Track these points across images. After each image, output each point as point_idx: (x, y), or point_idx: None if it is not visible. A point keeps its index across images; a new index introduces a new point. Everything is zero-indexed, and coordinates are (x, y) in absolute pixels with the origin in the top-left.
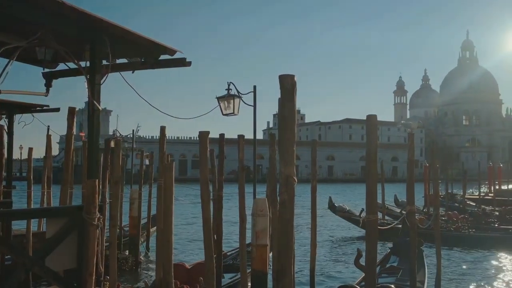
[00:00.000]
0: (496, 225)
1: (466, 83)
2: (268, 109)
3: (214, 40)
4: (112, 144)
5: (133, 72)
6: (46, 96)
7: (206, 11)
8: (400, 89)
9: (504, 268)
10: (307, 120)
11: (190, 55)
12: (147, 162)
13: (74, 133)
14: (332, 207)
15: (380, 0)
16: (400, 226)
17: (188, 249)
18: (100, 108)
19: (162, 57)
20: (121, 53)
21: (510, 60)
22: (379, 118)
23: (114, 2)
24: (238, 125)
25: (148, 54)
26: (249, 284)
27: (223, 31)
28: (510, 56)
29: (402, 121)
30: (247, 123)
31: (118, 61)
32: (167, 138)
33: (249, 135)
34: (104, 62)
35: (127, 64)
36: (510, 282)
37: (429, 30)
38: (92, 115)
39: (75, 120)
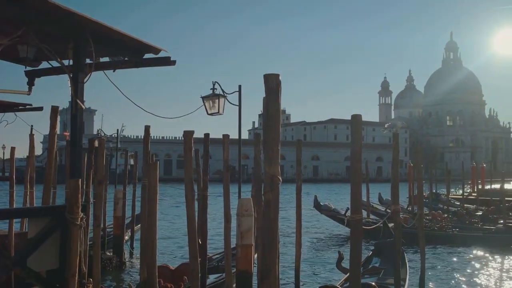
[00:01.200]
0: (479, 225)
1: (450, 84)
2: (254, 109)
3: (200, 40)
4: (96, 143)
5: (114, 71)
6: (28, 94)
7: (192, 11)
8: (385, 90)
9: (486, 267)
10: (292, 120)
11: (176, 55)
12: (131, 162)
13: (58, 133)
14: (317, 206)
15: (364, 1)
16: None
17: (172, 250)
18: (83, 107)
19: (147, 56)
20: (104, 51)
21: (493, 62)
22: (364, 119)
23: (101, 1)
24: (223, 125)
25: (132, 53)
26: (234, 284)
27: (209, 31)
28: (493, 57)
29: (386, 124)
30: (233, 123)
31: (102, 59)
32: (152, 138)
33: (234, 135)
34: (88, 60)
35: (110, 63)
36: (492, 281)
37: (413, 31)
38: (75, 114)
39: (58, 119)
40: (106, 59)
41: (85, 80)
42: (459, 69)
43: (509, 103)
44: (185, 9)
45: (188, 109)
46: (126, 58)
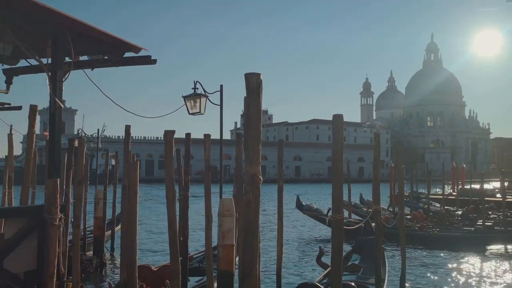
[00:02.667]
0: (460, 225)
1: (430, 85)
2: (236, 109)
3: (182, 41)
4: (76, 143)
5: (92, 70)
6: (6, 93)
7: (176, 12)
8: (366, 91)
9: (465, 267)
10: (274, 121)
11: (159, 55)
12: (113, 162)
13: (38, 133)
14: (299, 206)
15: (344, 0)
16: None
17: (155, 251)
18: (62, 105)
19: (127, 54)
20: (84, 50)
21: (473, 64)
22: (346, 119)
23: (85, 1)
24: (206, 125)
25: (112, 52)
26: (215, 285)
27: (192, 32)
28: (473, 59)
29: (367, 123)
30: (215, 123)
31: (81, 58)
32: (134, 138)
33: (217, 135)
34: (67, 59)
35: (90, 61)
36: (470, 280)
37: (393, 31)
38: (54, 113)
39: (38, 119)
40: (86, 57)
41: (64, 78)
42: (439, 70)
43: (489, 104)
44: (169, 10)
45: (170, 110)
46: (106, 57)
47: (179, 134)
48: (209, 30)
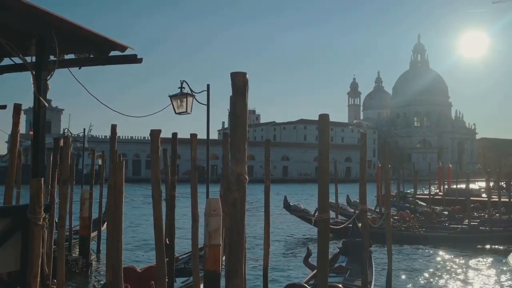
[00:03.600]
0: (447, 224)
1: (417, 85)
2: (223, 109)
3: (171, 41)
4: (62, 143)
5: (80, 68)
6: None
7: (164, 13)
8: (354, 91)
9: (451, 266)
10: (262, 121)
11: (147, 55)
12: (99, 162)
13: (24, 132)
14: (287, 206)
15: (332, 1)
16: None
17: (140, 252)
18: (46, 104)
19: (113, 53)
20: (69, 48)
21: (459, 64)
22: (333, 119)
23: (74, 1)
24: (193, 125)
25: (98, 50)
26: (202, 285)
27: (180, 33)
28: (459, 60)
29: (354, 121)
30: (203, 123)
31: (67, 56)
32: (121, 137)
33: (204, 135)
34: (52, 57)
35: (76, 60)
36: (456, 280)
37: (380, 32)
38: (38, 112)
39: (24, 118)
40: (71, 56)
41: (48, 77)
42: (426, 71)
43: (474, 105)
44: (157, 11)
45: (158, 110)
46: (91, 56)
47: (167, 134)
48: (197, 31)
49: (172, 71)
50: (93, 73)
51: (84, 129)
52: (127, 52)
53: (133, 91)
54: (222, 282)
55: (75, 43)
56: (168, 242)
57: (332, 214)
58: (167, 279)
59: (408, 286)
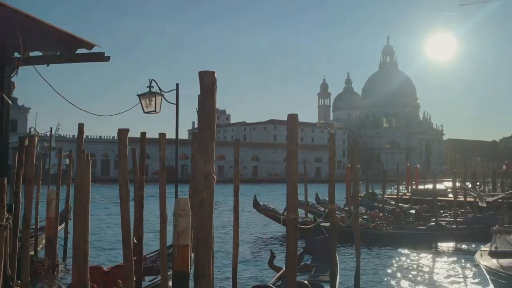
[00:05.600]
0: (415, 223)
1: (386, 87)
2: (194, 109)
3: (141, 42)
4: (27, 142)
5: (47, 66)
6: None
7: (134, 13)
8: (324, 91)
9: (417, 264)
10: (232, 121)
11: (117, 55)
12: (67, 161)
13: None
14: (257, 206)
15: (300, 0)
16: (323, 224)
17: (109, 252)
18: (10, 102)
19: (80, 51)
20: (34, 45)
21: (427, 66)
22: (303, 120)
23: (46, 2)
24: (164, 125)
25: (64, 47)
26: (170, 284)
27: (150, 33)
28: (427, 62)
29: (322, 121)
30: (173, 123)
31: (32, 54)
32: (90, 137)
33: (174, 135)
34: (16, 54)
35: (42, 57)
36: (422, 278)
37: (349, 33)
38: (1, 110)
39: None
40: (38, 53)
41: (12, 74)
42: (395, 72)
43: (442, 106)
44: (128, 12)
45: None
46: (58, 53)
47: (137, 133)
48: (167, 31)
49: (142, 72)
50: (67, 72)
51: (51, 128)
52: (95, 49)
53: (104, 91)
54: (191, 282)
55: (41, 40)
56: (136, 242)
57: (302, 213)
58: (134, 278)
59: (375, 284)
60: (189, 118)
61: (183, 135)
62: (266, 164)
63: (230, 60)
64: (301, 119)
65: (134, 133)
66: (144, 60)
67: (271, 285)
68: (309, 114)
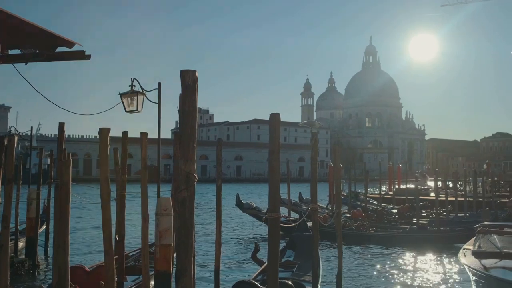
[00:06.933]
0: (398, 222)
1: (369, 87)
2: (177, 109)
3: (124, 42)
4: (6, 141)
5: (26, 64)
6: None
7: (118, 13)
8: (307, 91)
9: (401, 264)
10: (216, 120)
11: (101, 55)
12: (48, 161)
13: None
14: (239, 204)
15: (283, 1)
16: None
17: (90, 252)
18: None
19: (60, 49)
20: (13, 43)
21: (409, 66)
22: (287, 119)
23: (32, 2)
24: (147, 125)
25: (44, 45)
26: (152, 283)
27: (134, 33)
28: (410, 62)
29: (304, 121)
30: (156, 122)
31: (12, 52)
32: (72, 136)
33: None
34: None
35: (21, 56)
36: (404, 279)
37: (332, 33)
38: None
39: None
40: (17, 51)
41: None
42: (378, 72)
43: (424, 106)
44: (111, 11)
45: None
46: (37, 51)
47: (121, 133)
48: (151, 32)
49: (126, 72)
50: (49, 72)
51: (32, 127)
52: (75, 48)
53: (88, 91)
54: (174, 283)
55: (20, 37)
56: (117, 239)
57: (285, 212)
58: (116, 278)
59: (357, 284)
60: (173, 117)
61: (166, 134)
62: (249, 164)
63: (214, 60)
64: (284, 118)
65: (117, 133)
66: (128, 60)
67: (254, 281)
68: (293, 114)
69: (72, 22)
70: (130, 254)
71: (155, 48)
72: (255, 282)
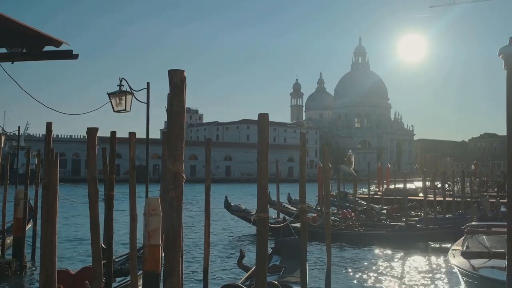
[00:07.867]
0: (388, 222)
1: (358, 87)
2: (166, 109)
3: (114, 42)
4: None
5: (12, 63)
6: None
7: (108, 14)
8: (296, 92)
9: (390, 263)
10: (205, 120)
11: (90, 54)
12: (35, 161)
13: None
14: (228, 206)
15: (272, 1)
16: (294, 224)
17: (75, 254)
18: None
19: (47, 48)
20: (1, 42)
21: (398, 67)
22: (276, 120)
23: (25, 1)
24: (136, 125)
25: (31, 45)
26: (140, 282)
27: (123, 34)
28: (399, 63)
29: (293, 121)
30: (145, 122)
31: None
32: (60, 136)
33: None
34: None
35: (8, 54)
36: (393, 278)
37: (321, 33)
38: None
39: None
40: (3, 50)
41: None
42: (367, 73)
43: (413, 107)
44: (100, 11)
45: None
46: (24, 50)
47: (109, 133)
48: (140, 33)
49: (115, 72)
50: (39, 72)
51: (19, 127)
52: (63, 47)
53: (77, 91)
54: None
55: (6, 36)
56: (104, 246)
57: (274, 213)
58: (104, 280)
59: (346, 285)
60: (162, 117)
61: (155, 134)
62: (239, 164)
63: (203, 60)
64: (274, 119)
65: (105, 133)
66: (117, 60)
67: (240, 285)
68: (282, 114)
69: (60, 22)
70: (116, 260)
71: (144, 49)
72: (243, 286)
